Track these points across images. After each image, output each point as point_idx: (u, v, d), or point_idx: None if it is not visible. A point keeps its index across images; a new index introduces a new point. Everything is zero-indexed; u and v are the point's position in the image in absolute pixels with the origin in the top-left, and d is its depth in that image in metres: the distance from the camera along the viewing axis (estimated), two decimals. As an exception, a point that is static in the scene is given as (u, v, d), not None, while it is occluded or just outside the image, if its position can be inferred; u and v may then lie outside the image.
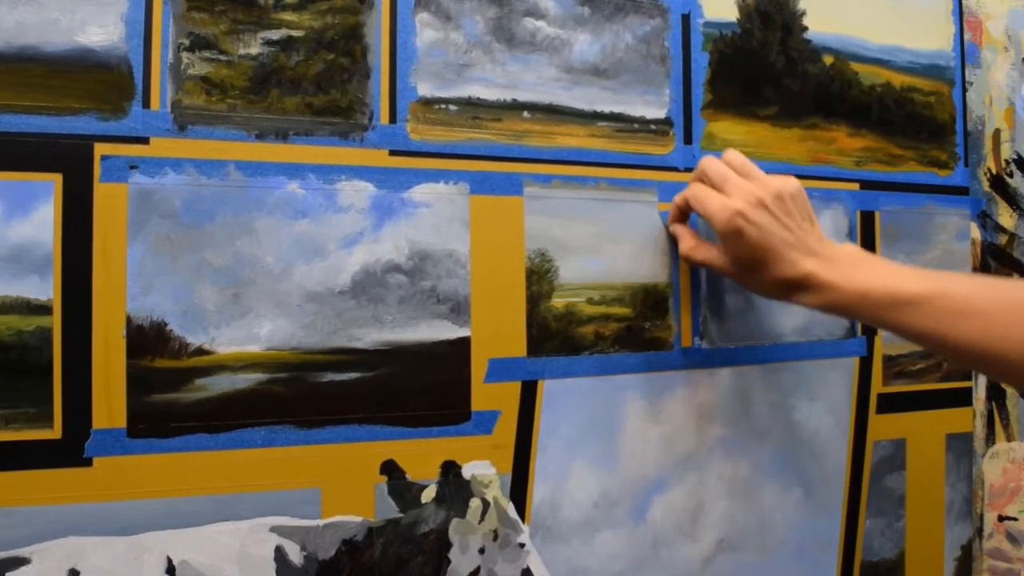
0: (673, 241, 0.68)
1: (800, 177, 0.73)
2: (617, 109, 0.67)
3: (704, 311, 0.70)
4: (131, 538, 0.52)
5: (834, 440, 0.76)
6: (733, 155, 0.63)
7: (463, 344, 0.61)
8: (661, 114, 0.69)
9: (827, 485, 0.76)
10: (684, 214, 0.66)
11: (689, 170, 0.70)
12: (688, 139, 0.70)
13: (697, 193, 0.62)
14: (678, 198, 0.65)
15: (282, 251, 0.57)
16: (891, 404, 0.79)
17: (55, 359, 0.51)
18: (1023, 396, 0.59)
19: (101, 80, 0.53)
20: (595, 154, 0.66)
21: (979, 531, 0.85)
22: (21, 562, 0.50)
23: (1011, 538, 0.84)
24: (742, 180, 0.61)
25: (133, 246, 0.53)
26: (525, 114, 0.64)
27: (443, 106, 0.62)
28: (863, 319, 0.60)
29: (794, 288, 0.60)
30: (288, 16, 0.58)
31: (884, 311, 0.57)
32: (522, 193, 0.64)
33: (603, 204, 0.66)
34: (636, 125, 0.68)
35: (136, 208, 0.54)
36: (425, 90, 0.61)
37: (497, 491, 0.62)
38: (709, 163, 0.62)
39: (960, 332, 0.54)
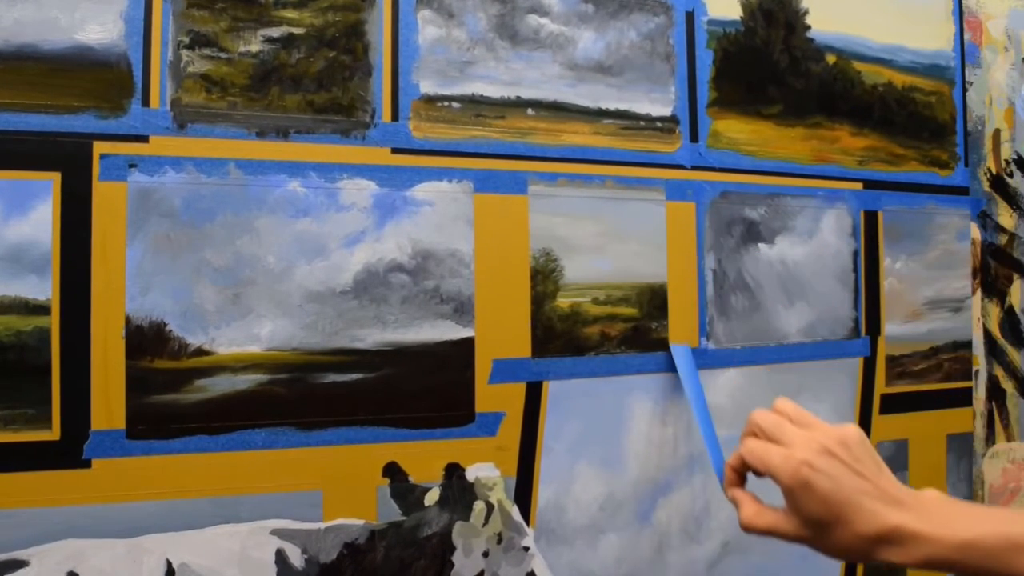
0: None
1: (804, 176, 0.74)
2: (622, 106, 0.67)
3: (710, 312, 0.70)
4: (130, 540, 0.52)
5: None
6: (785, 403, 0.57)
7: (467, 345, 0.61)
8: (667, 111, 0.69)
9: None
10: (741, 476, 0.59)
11: (696, 168, 0.70)
12: (694, 136, 0.70)
13: (753, 448, 0.55)
14: (732, 459, 0.58)
15: (283, 250, 0.56)
16: (894, 405, 0.79)
17: (54, 360, 0.51)
18: None
19: (100, 78, 0.53)
20: (600, 152, 0.66)
21: (980, 531, 0.85)
22: (20, 564, 0.49)
23: (1012, 538, 0.84)
24: (800, 429, 0.55)
25: (132, 245, 0.53)
26: (529, 111, 0.64)
27: (446, 104, 0.61)
28: (969, 569, 0.54)
29: (881, 543, 0.52)
30: (289, 13, 0.57)
31: (997, 559, 0.51)
32: (526, 191, 0.63)
33: (609, 202, 0.66)
34: (642, 122, 0.68)
35: (135, 207, 0.53)
36: (428, 87, 0.61)
37: (501, 494, 0.62)
38: (761, 416, 0.56)
39: None
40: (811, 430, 0.55)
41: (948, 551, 0.51)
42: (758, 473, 0.56)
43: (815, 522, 0.53)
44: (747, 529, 0.57)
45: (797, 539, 0.55)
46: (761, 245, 0.72)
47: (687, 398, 0.66)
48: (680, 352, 0.68)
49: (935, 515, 0.52)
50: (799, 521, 0.54)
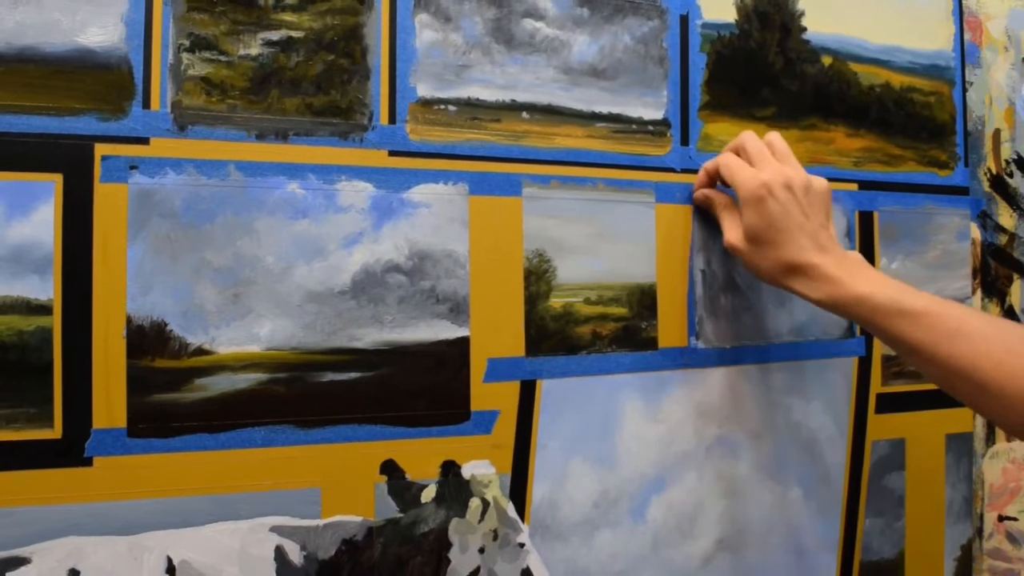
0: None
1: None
2: (615, 110, 0.67)
3: (700, 311, 0.70)
4: (131, 538, 0.52)
5: (833, 440, 0.76)
6: (776, 138, 0.65)
7: (462, 344, 0.61)
8: (659, 115, 0.69)
9: (826, 485, 0.76)
10: (711, 181, 0.67)
11: (686, 170, 0.70)
12: (685, 140, 0.70)
13: (729, 161, 0.63)
14: (708, 164, 0.66)
15: (282, 251, 0.57)
16: (890, 404, 0.79)
17: (55, 359, 0.51)
18: (994, 422, 0.62)
19: (101, 81, 0.53)
20: (593, 155, 0.67)
21: (979, 531, 0.85)
22: (21, 562, 0.50)
23: (1011, 538, 0.84)
24: (777, 162, 0.62)
25: (133, 246, 0.54)
26: (524, 115, 0.64)
27: (442, 107, 0.62)
28: (857, 319, 0.61)
29: (797, 273, 0.61)
30: (288, 17, 0.58)
31: (882, 317, 0.59)
32: (521, 193, 0.64)
33: (601, 204, 0.67)
34: (634, 126, 0.68)
35: (136, 208, 0.54)
36: (424, 91, 0.61)
37: (497, 491, 0.62)
38: (749, 137, 0.64)
39: (952, 348, 0.56)
40: (786, 165, 0.63)
41: (845, 297, 0.59)
42: (724, 184, 0.65)
43: (752, 237, 0.62)
44: (699, 201, 0.68)
45: (732, 245, 0.64)
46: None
47: None
48: None
49: (848, 268, 0.61)
50: (741, 231, 0.62)
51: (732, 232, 0.63)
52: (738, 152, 0.65)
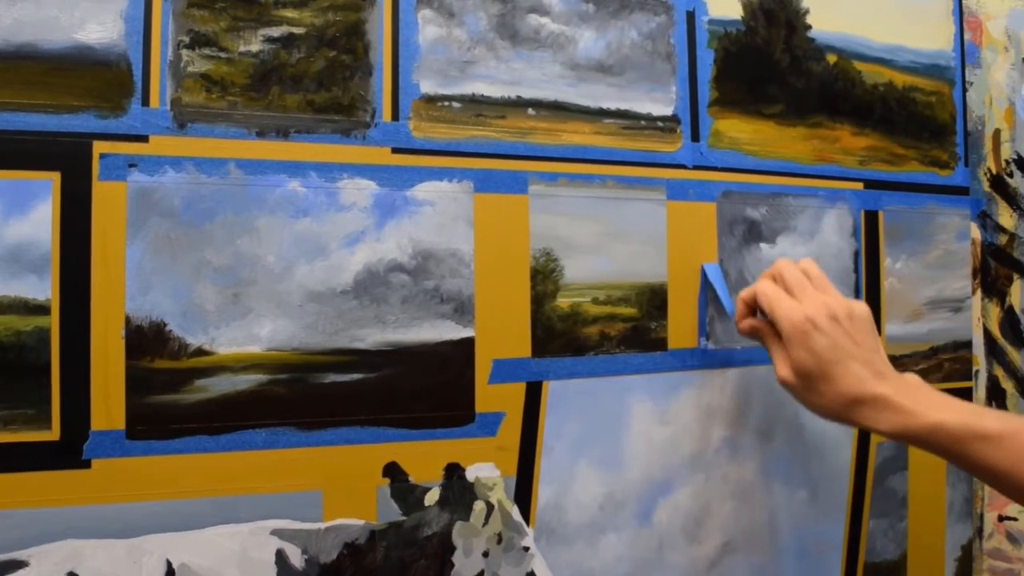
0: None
1: (805, 176, 0.74)
2: (623, 106, 0.67)
3: (710, 311, 0.70)
4: (130, 541, 0.52)
5: (839, 441, 0.76)
6: (810, 265, 0.62)
7: (467, 344, 0.61)
8: (668, 111, 0.69)
9: (832, 486, 0.76)
10: (751, 310, 0.64)
11: (698, 167, 0.70)
12: (695, 136, 0.70)
13: (768, 291, 0.61)
14: (745, 293, 0.63)
15: (283, 250, 0.56)
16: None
17: (53, 360, 0.51)
18: None
19: (100, 78, 0.53)
20: (601, 151, 0.66)
21: (979, 531, 0.85)
22: (19, 565, 0.49)
23: (1011, 538, 0.84)
24: (816, 291, 0.60)
25: (132, 245, 0.53)
26: (530, 111, 0.64)
27: (446, 103, 0.61)
28: (930, 448, 0.57)
29: (860, 405, 0.58)
30: (289, 13, 0.57)
31: (959, 444, 0.55)
32: (527, 191, 0.63)
33: (609, 202, 0.66)
34: (643, 122, 0.68)
35: (135, 207, 0.53)
36: (428, 87, 0.61)
37: (501, 494, 0.62)
38: (786, 266, 0.62)
39: None
40: (825, 294, 0.60)
41: (918, 428, 0.56)
42: (764, 314, 0.62)
43: (804, 373, 0.59)
44: (743, 331, 0.65)
45: (785, 382, 0.61)
46: (763, 245, 0.72)
47: (711, 282, 0.68)
48: (712, 269, 0.69)
49: (913, 394, 0.58)
50: (791, 369, 0.59)
51: (782, 367, 0.60)
52: (775, 279, 0.62)
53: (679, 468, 0.68)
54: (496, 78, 0.63)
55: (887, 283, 0.79)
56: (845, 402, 0.58)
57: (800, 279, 0.61)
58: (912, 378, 0.59)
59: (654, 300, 0.67)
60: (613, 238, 0.66)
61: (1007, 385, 0.86)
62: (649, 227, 0.67)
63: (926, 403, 0.57)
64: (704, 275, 0.69)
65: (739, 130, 0.71)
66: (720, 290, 0.68)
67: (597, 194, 0.66)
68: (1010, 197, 0.87)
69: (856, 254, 0.77)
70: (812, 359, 0.58)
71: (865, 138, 0.78)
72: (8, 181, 0.50)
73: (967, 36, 0.84)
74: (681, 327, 0.68)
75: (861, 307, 0.60)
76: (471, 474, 0.61)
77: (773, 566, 0.72)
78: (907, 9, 0.81)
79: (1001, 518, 0.85)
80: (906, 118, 0.80)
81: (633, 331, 0.66)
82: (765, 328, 0.62)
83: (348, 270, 0.58)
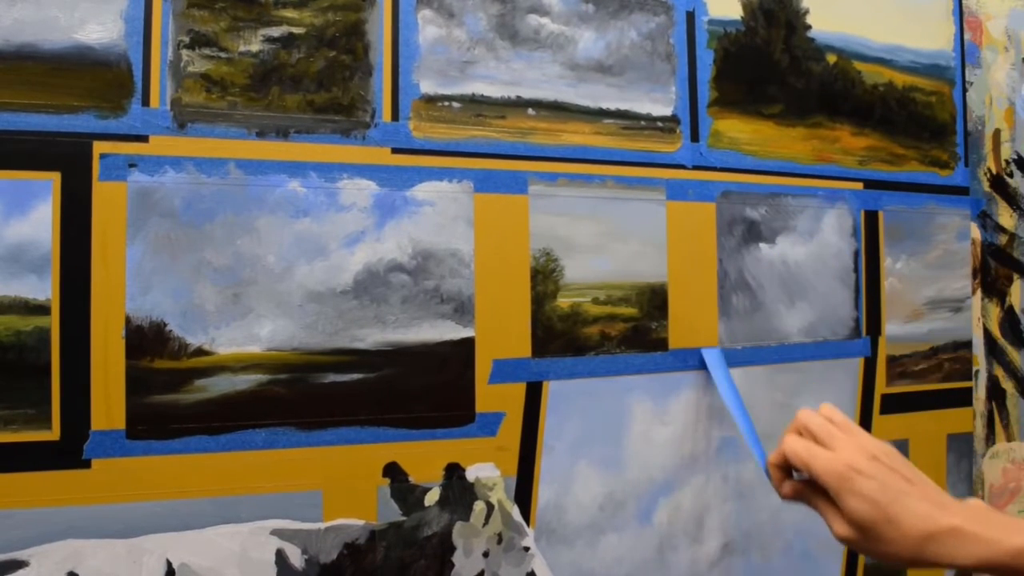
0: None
1: (805, 176, 0.74)
2: (623, 106, 0.67)
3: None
4: (130, 540, 0.52)
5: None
6: (832, 411, 0.59)
7: (467, 345, 0.61)
8: (667, 111, 0.69)
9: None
10: (787, 472, 0.60)
11: (697, 168, 0.70)
12: (695, 136, 0.70)
13: (797, 448, 0.57)
14: (774, 457, 0.59)
15: (283, 250, 0.56)
16: (894, 404, 0.79)
17: (53, 360, 0.51)
18: None
19: (100, 78, 0.53)
20: (601, 152, 0.66)
21: (979, 532, 0.85)
22: (19, 565, 0.49)
23: (1011, 538, 0.84)
24: (844, 435, 0.57)
25: (132, 245, 0.53)
26: (530, 111, 0.64)
27: (446, 103, 0.61)
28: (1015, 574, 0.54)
29: (934, 542, 0.54)
30: (289, 13, 0.57)
31: None
32: (527, 191, 0.63)
33: (609, 202, 0.66)
34: (642, 122, 0.68)
35: (135, 207, 0.53)
36: (428, 87, 0.61)
37: (502, 494, 0.62)
38: (808, 417, 0.58)
39: None
40: (855, 436, 0.56)
41: (1001, 555, 0.52)
42: (798, 471, 0.58)
43: (863, 523, 0.54)
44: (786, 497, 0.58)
45: (846, 540, 0.56)
46: (762, 245, 0.72)
47: (723, 400, 0.67)
48: (712, 355, 0.68)
49: (987, 520, 0.53)
50: (847, 523, 0.55)
51: (838, 524, 0.56)
52: (800, 433, 0.59)
53: (679, 468, 0.68)
54: (496, 78, 0.63)
55: (887, 283, 0.79)
56: (916, 542, 0.54)
57: (826, 427, 0.58)
58: (976, 503, 0.56)
59: (654, 300, 0.67)
60: (613, 238, 0.66)
61: (1007, 385, 0.86)
62: (649, 227, 0.67)
63: (1001, 528, 0.54)
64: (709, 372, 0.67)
65: (738, 130, 0.72)
66: (738, 417, 0.65)
67: (597, 194, 0.66)
68: (1010, 197, 0.87)
69: (856, 254, 0.77)
70: (867, 506, 0.54)
71: (865, 138, 0.78)
72: (9, 181, 0.50)
73: (967, 36, 0.84)
74: (682, 327, 0.68)
75: (889, 446, 0.57)
76: (471, 474, 0.61)
77: (773, 567, 0.72)
78: (907, 9, 0.81)
79: (1001, 518, 0.85)
80: (906, 118, 0.80)
81: (633, 331, 0.66)
82: (806, 489, 0.58)
83: (348, 270, 0.58)
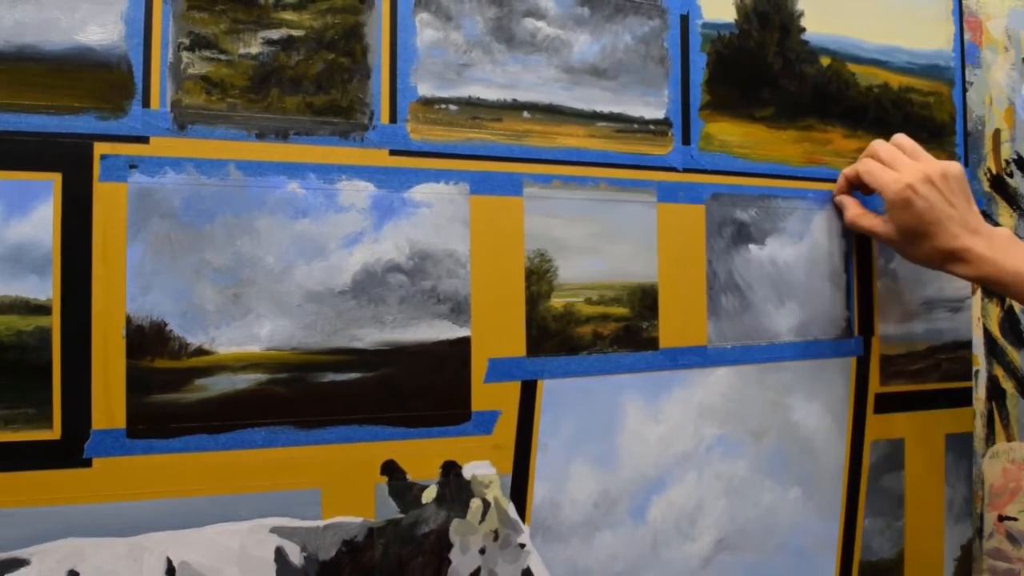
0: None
1: (795, 178, 0.74)
2: (617, 109, 0.67)
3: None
4: (131, 539, 0.52)
5: (832, 440, 0.77)
6: (903, 138, 0.71)
7: (463, 344, 0.61)
8: (660, 114, 0.69)
9: (826, 484, 0.76)
10: (851, 186, 0.73)
11: (688, 170, 0.70)
12: (687, 139, 0.70)
13: (870, 167, 0.69)
14: (848, 170, 0.72)
15: (282, 251, 0.57)
16: (890, 404, 0.79)
17: (54, 359, 0.51)
18: None
19: (101, 79, 0.53)
20: (595, 154, 0.66)
21: (979, 531, 0.85)
22: (20, 563, 0.50)
23: (1011, 538, 0.84)
24: (910, 160, 0.68)
25: (133, 246, 0.53)
26: (525, 114, 0.64)
27: (443, 106, 0.62)
28: (1013, 295, 0.68)
29: (953, 259, 0.67)
30: (288, 16, 0.57)
31: None
32: (522, 193, 0.64)
33: (602, 204, 0.67)
34: (635, 125, 0.68)
35: (136, 208, 0.53)
36: (425, 90, 0.61)
37: (497, 491, 0.62)
38: (880, 144, 0.71)
39: None
40: (920, 161, 0.69)
41: (1000, 274, 0.66)
42: (865, 190, 0.72)
43: (906, 232, 0.68)
44: (851, 225, 0.74)
45: (887, 241, 0.71)
46: (752, 246, 0.73)
47: None
48: None
49: (1000, 246, 0.67)
50: (893, 228, 0.69)
51: (882, 227, 0.70)
52: (873, 157, 0.71)
53: (672, 466, 0.69)
54: (492, 81, 0.63)
55: (881, 283, 0.79)
56: (941, 256, 0.68)
57: (893, 151, 0.69)
58: (1003, 232, 0.69)
59: (645, 300, 0.68)
60: (606, 239, 0.66)
61: (1007, 385, 0.86)
62: (641, 229, 0.68)
63: (1010, 253, 0.66)
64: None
65: (730, 133, 0.72)
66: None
67: (590, 196, 0.66)
68: (1010, 197, 0.87)
69: (847, 255, 0.77)
70: (913, 221, 0.67)
71: (857, 140, 0.78)
72: (9, 182, 0.51)
73: (967, 36, 0.84)
74: (672, 327, 0.69)
75: (954, 166, 0.68)
76: (467, 472, 0.61)
77: (767, 564, 0.73)
78: (906, 9, 0.81)
79: (1001, 518, 0.85)
80: (902, 119, 0.80)
81: (625, 331, 0.67)
82: (864, 209, 0.73)
83: (346, 270, 0.58)
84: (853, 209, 0.72)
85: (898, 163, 0.68)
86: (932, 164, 0.68)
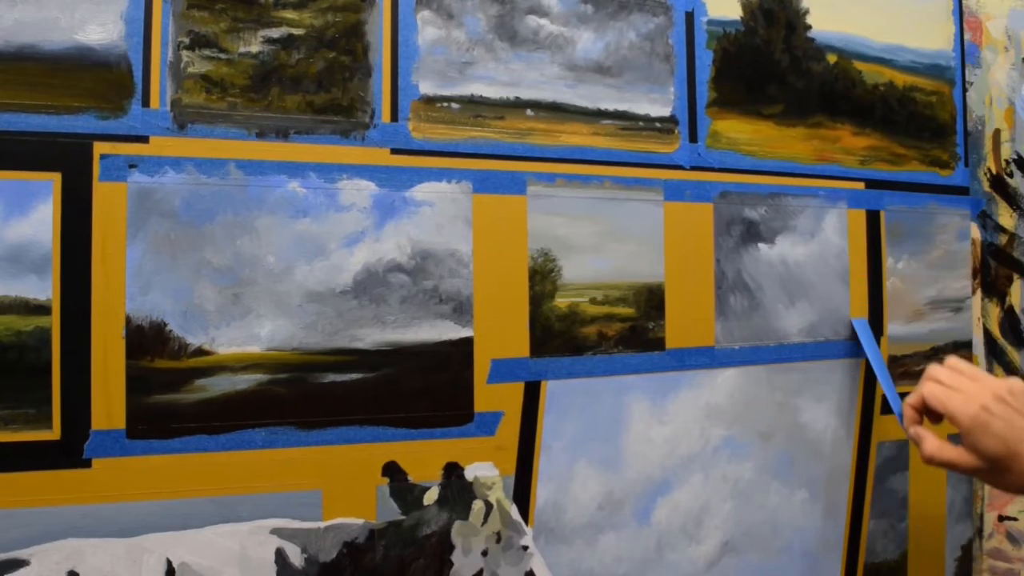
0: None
1: (805, 176, 0.74)
2: (621, 107, 0.67)
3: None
4: (130, 540, 0.52)
5: (839, 441, 0.76)
6: (958, 361, 0.66)
7: (466, 344, 0.61)
8: (666, 112, 0.69)
9: (832, 486, 0.76)
10: (919, 416, 0.67)
11: (696, 168, 0.70)
12: (693, 137, 0.70)
13: (936, 392, 0.65)
14: (912, 399, 0.67)
15: (283, 250, 0.57)
16: (896, 405, 0.79)
17: (54, 359, 0.51)
18: None
19: (100, 78, 0.53)
20: (599, 152, 0.66)
21: (979, 531, 0.85)
22: (20, 564, 0.50)
23: (1011, 538, 0.84)
24: (972, 381, 0.64)
25: (132, 246, 0.53)
26: (528, 112, 0.64)
27: (445, 104, 0.61)
28: None
29: None
30: (289, 14, 0.57)
31: None
32: (525, 192, 0.63)
33: (607, 203, 0.66)
34: (641, 123, 0.68)
35: (135, 207, 0.53)
36: (427, 88, 0.61)
37: (500, 493, 0.62)
38: (939, 369, 0.66)
39: None
40: (983, 381, 0.65)
41: None
42: (934, 417, 0.66)
43: (991, 458, 0.62)
44: (929, 461, 0.67)
45: (973, 472, 0.64)
46: (761, 245, 0.72)
47: (869, 360, 0.75)
48: (860, 324, 0.75)
49: None
50: (976, 457, 0.62)
51: (964, 457, 0.64)
52: (934, 382, 0.66)
53: (678, 467, 0.68)
54: (495, 79, 0.63)
55: (889, 283, 0.79)
56: None
57: (954, 375, 0.65)
58: None
59: (652, 300, 0.67)
60: (611, 238, 0.66)
61: None
62: (646, 227, 0.67)
63: None
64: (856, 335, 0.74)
65: (738, 130, 0.71)
66: (882, 375, 0.74)
67: (595, 195, 0.66)
68: (1010, 197, 0.86)
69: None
70: (997, 443, 0.61)
71: (866, 138, 0.78)
72: (9, 181, 0.51)
73: (967, 36, 0.84)
74: (678, 327, 0.68)
75: (1018, 384, 0.64)
76: (470, 473, 0.61)
77: (773, 566, 0.72)
78: (907, 9, 0.80)
79: (1001, 518, 0.85)
80: (907, 118, 0.80)
81: (631, 331, 0.66)
82: (931, 431, 0.66)
83: (347, 270, 0.58)
84: (932, 442, 0.67)
85: (962, 386, 0.64)
86: (996, 383, 0.64)
